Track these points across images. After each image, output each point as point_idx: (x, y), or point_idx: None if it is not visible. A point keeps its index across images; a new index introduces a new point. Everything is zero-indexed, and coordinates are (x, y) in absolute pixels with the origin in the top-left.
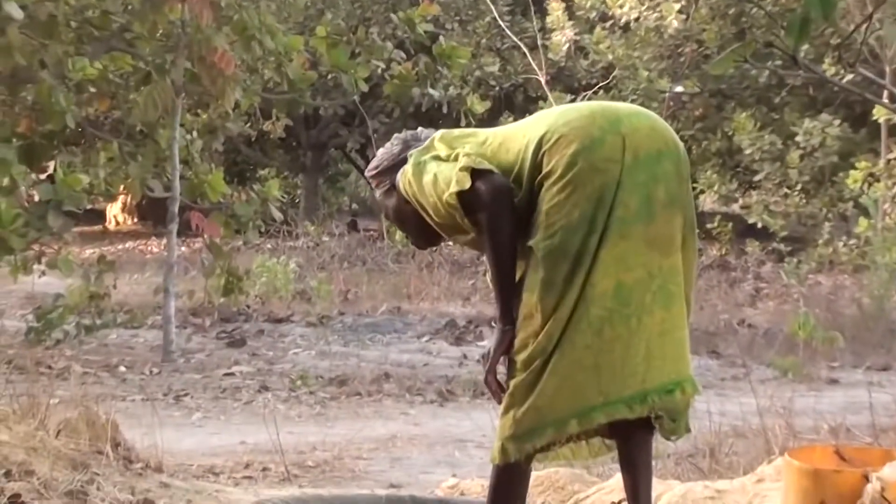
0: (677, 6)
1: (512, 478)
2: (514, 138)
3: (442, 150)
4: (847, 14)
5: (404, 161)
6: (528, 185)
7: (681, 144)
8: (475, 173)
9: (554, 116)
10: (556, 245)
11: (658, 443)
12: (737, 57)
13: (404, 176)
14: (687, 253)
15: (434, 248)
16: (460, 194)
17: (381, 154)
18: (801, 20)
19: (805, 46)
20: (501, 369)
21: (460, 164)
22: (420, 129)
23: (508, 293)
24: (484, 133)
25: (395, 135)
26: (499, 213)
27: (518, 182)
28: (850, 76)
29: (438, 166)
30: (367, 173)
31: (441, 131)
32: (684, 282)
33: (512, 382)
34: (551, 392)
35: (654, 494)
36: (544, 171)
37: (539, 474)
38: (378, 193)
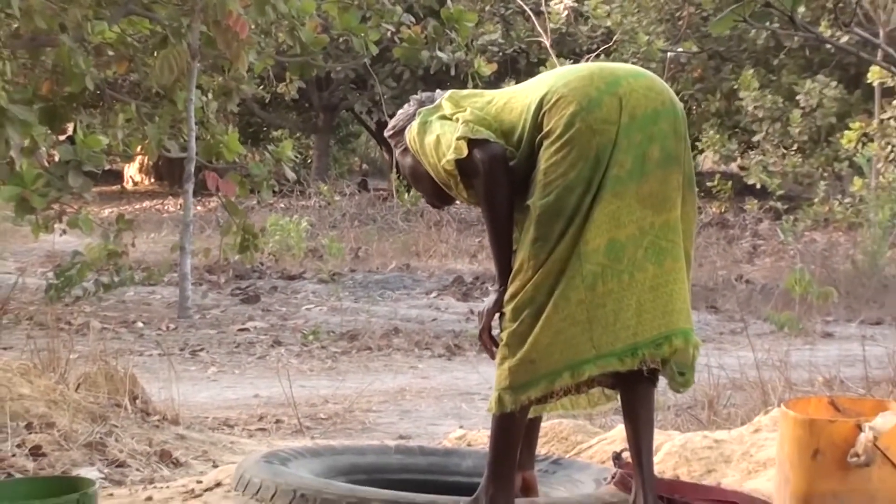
0: None
1: (510, 426)
2: (518, 98)
3: (448, 109)
4: None
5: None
6: (528, 144)
7: (678, 104)
8: (472, 142)
9: (554, 78)
10: (552, 203)
11: (659, 395)
12: (735, 17)
13: (410, 133)
14: (686, 208)
15: (446, 207)
16: (458, 161)
17: (399, 114)
18: None
19: (802, 9)
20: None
21: (457, 133)
22: (438, 91)
23: (505, 256)
24: (490, 94)
25: (413, 96)
26: (494, 180)
27: (519, 142)
28: (845, 38)
29: (442, 127)
30: (385, 133)
31: (450, 91)
32: (685, 237)
33: (504, 334)
34: (545, 345)
35: (654, 445)
36: (544, 130)
37: (544, 425)
38: (396, 153)
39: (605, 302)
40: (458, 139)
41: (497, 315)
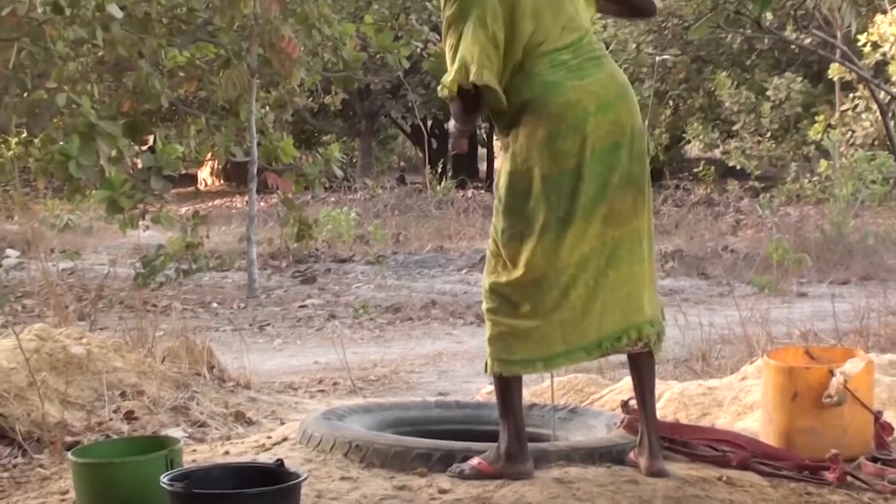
0: None
1: (507, 385)
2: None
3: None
4: None
5: None
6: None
7: (637, 128)
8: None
9: (547, 86)
10: (510, 204)
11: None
12: (711, 23)
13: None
14: (640, 211)
15: (468, 195)
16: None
17: None
18: None
19: (769, 15)
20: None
21: (452, 76)
22: None
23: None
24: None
25: None
26: (470, 115)
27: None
28: (808, 40)
29: (460, 37)
30: None
31: None
32: (646, 236)
33: (484, 310)
34: (522, 337)
35: (656, 393)
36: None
37: (561, 380)
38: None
39: (576, 305)
40: (452, 80)
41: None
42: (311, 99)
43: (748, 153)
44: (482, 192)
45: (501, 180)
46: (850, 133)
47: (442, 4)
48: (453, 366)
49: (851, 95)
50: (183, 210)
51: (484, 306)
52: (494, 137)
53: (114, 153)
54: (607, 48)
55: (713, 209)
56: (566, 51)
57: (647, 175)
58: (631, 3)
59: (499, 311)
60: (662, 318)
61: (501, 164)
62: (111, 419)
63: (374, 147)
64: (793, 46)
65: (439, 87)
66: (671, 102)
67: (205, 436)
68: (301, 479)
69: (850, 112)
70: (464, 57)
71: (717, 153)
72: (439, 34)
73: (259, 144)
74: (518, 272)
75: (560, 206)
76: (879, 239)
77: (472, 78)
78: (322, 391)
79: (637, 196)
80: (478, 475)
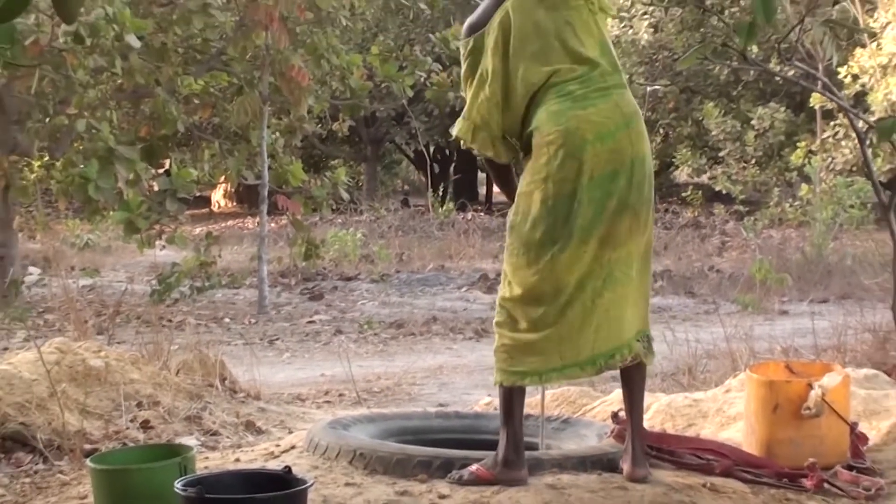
0: (646, 23)
1: (510, 395)
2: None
3: (480, 54)
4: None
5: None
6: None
7: (639, 157)
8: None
9: (550, 115)
10: (522, 228)
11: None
12: (699, 55)
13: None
14: (634, 235)
15: (469, 217)
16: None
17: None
18: (749, 25)
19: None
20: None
21: (458, 130)
22: None
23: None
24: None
25: None
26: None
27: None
28: (791, 72)
29: (470, 72)
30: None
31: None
32: (644, 258)
33: (494, 323)
34: (522, 350)
35: (644, 404)
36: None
37: (555, 392)
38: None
39: (573, 324)
40: (463, 126)
41: None
42: (319, 125)
43: (733, 178)
44: (481, 214)
45: (519, 199)
46: (830, 160)
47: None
48: (453, 378)
49: (832, 124)
50: (197, 230)
51: (494, 319)
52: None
53: (131, 176)
54: None
55: (700, 231)
56: (574, 82)
57: (647, 200)
58: None
59: (504, 324)
60: (646, 333)
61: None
62: (128, 428)
63: (379, 171)
64: (777, 78)
65: (459, 133)
66: (661, 130)
67: (217, 444)
68: (308, 485)
69: (830, 140)
70: (467, 116)
71: (704, 178)
72: (442, 65)
73: (270, 168)
74: (518, 290)
75: (557, 228)
76: (857, 260)
77: (463, 146)
78: (328, 402)
79: (633, 221)
80: (476, 481)
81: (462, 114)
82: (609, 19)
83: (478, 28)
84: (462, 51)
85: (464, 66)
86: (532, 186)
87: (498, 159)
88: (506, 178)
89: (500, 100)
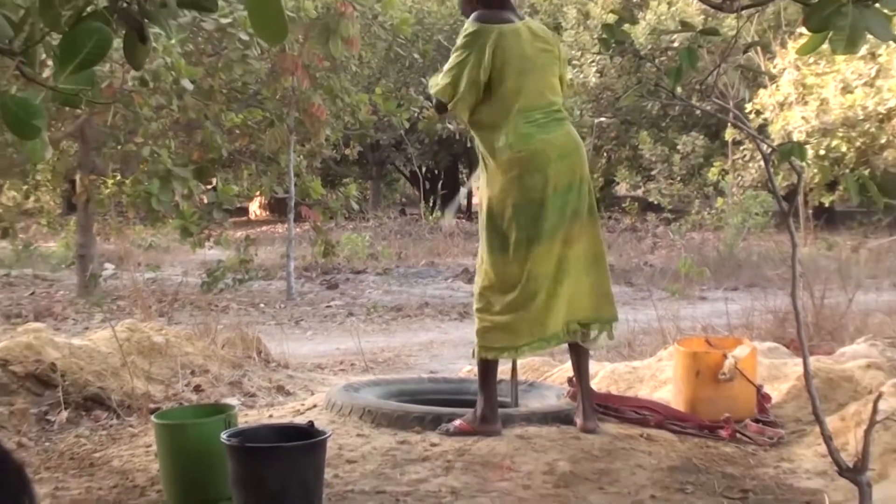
0: (594, 68)
1: (487, 366)
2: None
3: (472, 52)
4: (706, 66)
5: None
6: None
7: (585, 176)
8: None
9: (520, 136)
10: (491, 228)
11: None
12: (636, 94)
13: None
14: (582, 237)
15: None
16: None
17: None
18: (676, 69)
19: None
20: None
21: (440, 88)
22: None
23: None
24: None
25: None
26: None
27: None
28: (708, 106)
29: (460, 59)
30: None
31: (475, 29)
32: (597, 255)
33: (473, 307)
34: (499, 330)
35: (591, 371)
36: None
37: (523, 362)
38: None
39: (539, 308)
40: (439, 91)
41: None
42: (334, 150)
43: (663, 192)
44: (463, 221)
45: (484, 205)
46: (739, 177)
47: (461, 34)
48: (441, 351)
49: (741, 149)
50: (238, 234)
51: (474, 307)
52: (474, 178)
53: (185, 192)
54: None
55: (636, 234)
56: (539, 111)
57: (591, 210)
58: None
59: (483, 310)
60: (612, 318)
61: (481, 194)
62: (183, 391)
63: (381, 187)
64: (697, 112)
65: (430, 83)
66: (605, 154)
67: (254, 403)
68: (327, 436)
69: (739, 161)
70: (455, 82)
71: (639, 192)
72: (431, 102)
73: (295, 185)
74: (494, 279)
75: (527, 228)
76: (761, 256)
77: (449, 107)
78: (343, 370)
79: (581, 225)
80: (459, 433)
81: (444, 75)
82: (567, 66)
83: (484, 22)
84: (465, 29)
85: (461, 40)
86: (504, 193)
87: (452, 111)
88: (444, 111)
89: (481, 89)
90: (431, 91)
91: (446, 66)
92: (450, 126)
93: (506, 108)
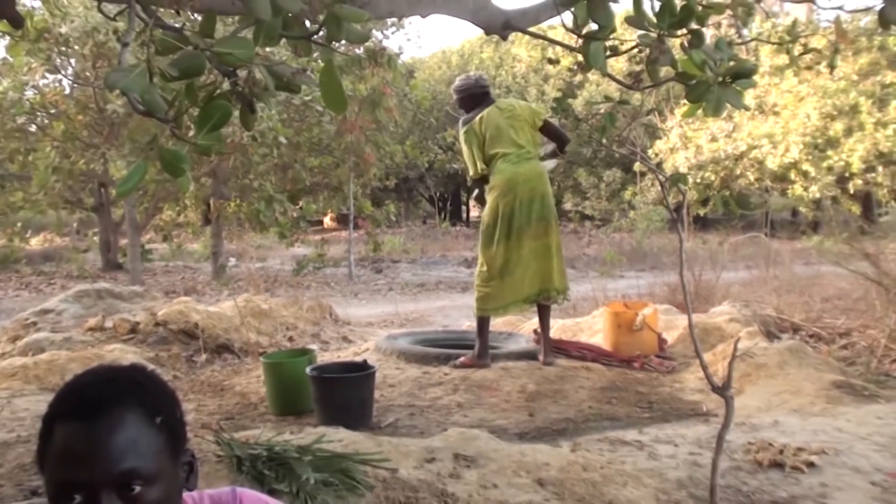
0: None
1: (482, 321)
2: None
3: (471, 140)
4: (622, 125)
5: (470, 92)
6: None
7: (547, 192)
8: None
9: (500, 171)
10: (486, 230)
11: (553, 307)
12: (576, 143)
13: (460, 131)
14: (548, 233)
15: (457, 229)
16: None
17: (463, 82)
18: (602, 127)
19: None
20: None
21: (472, 172)
22: (480, 75)
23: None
24: (479, 140)
25: (468, 74)
26: (477, 185)
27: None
28: (624, 151)
29: (468, 148)
30: (453, 90)
31: (471, 126)
32: (555, 247)
33: (475, 282)
34: (491, 296)
35: (550, 324)
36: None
37: (501, 319)
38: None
39: (516, 279)
40: (472, 176)
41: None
42: (379, 182)
43: (594, 207)
44: (464, 227)
45: (484, 215)
46: (644, 197)
47: (459, 132)
48: (451, 313)
49: (645, 178)
50: (316, 238)
51: (475, 282)
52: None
53: (282, 210)
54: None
55: (577, 235)
56: (513, 155)
57: (552, 215)
58: (559, 139)
59: (479, 285)
60: (565, 288)
61: (486, 207)
62: (280, 340)
63: (410, 206)
64: (616, 154)
65: (470, 174)
66: (556, 183)
67: (327, 348)
68: (374, 369)
69: (644, 186)
70: (474, 163)
71: (579, 208)
72: (443, 150)
73: (354, 204)
74: (485, 264)
75: (505, 230)
76: (659, 249)
77: (473, 175)
78: (386, 325)
79: (546, 226)
80: (463, 366)
81: (468, 163)
82: (537, 121)
83: (467, 123)
84: (460, 133)
85: (462, 140)
86: (493, 205)
87: (482, 174)
88: (481, 185)
89: (480, 158)
90: (470, 175)
91: (465, 157)
92: (455, 166)
93: (493, 157)
